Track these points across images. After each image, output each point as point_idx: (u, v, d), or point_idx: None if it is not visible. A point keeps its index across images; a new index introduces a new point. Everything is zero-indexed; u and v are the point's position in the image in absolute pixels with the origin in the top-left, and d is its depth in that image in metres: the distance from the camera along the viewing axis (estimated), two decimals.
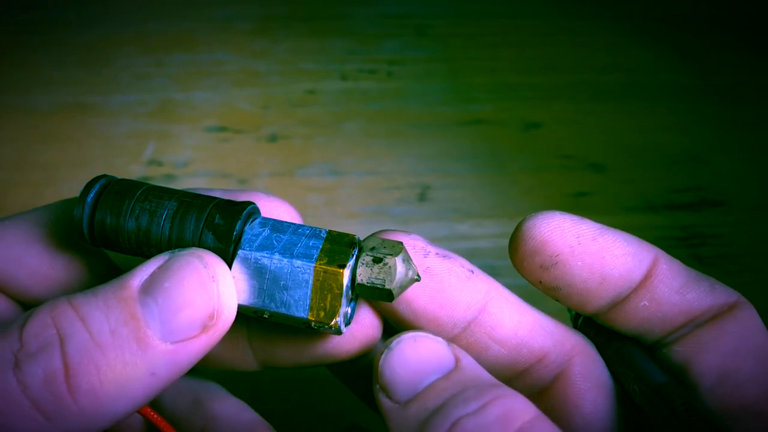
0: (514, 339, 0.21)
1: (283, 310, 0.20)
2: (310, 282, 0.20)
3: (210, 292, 0.18)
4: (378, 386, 0.18)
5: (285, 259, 0.20)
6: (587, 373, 0.21)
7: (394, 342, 0.19)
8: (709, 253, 0.38)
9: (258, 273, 0.20)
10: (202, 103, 0.48)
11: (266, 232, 0.20)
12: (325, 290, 0.20)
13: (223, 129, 0.46)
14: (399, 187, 0.42)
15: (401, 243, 0.21)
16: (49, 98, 0.48)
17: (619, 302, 0.21)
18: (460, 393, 0.17)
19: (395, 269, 0.20)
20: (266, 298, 0.20)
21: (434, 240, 0.38)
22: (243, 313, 0.20)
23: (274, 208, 0.23)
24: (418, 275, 0.21)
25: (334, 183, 0.42)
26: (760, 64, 0.51)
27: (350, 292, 0.21)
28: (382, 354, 0.19)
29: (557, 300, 0.21)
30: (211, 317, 0.18)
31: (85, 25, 0.54)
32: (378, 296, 0.21)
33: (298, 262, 0.20)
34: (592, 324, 0.22)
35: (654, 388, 0.20)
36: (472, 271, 0.21)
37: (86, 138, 0.45)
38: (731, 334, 0.20)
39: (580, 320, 0.23)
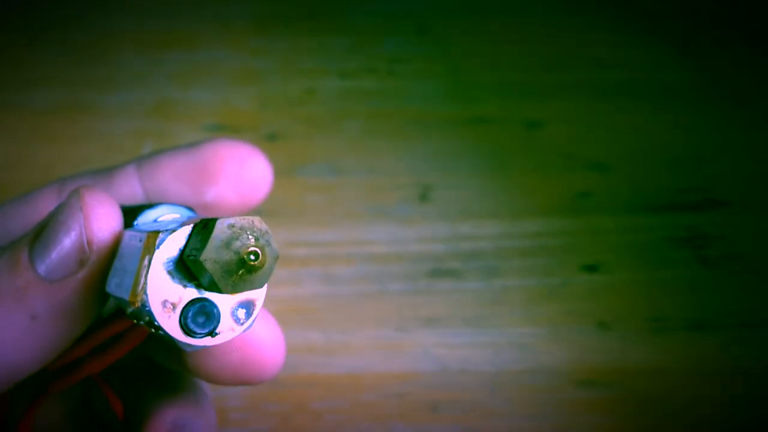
0: None
1: (123, 295, 0.16)
2: (139, 255, 0.16)
3: (77, 221, 0.17)
4: None
5: (131, 232, 0.17)
6: None
7: None
8: (713, 254, 0.38)
9: (119, 253, 0.17)
10: (199, 101, 0.47)
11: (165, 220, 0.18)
12: (144, 261, 0.15)
13: (221, 128, 0.45)
14: (400, 187, 0.42)
15: (256, 219, 0.16)
16: (45, 97, 0.47)
17: None
18: None
19: (212, 232, 0.15)
20: (116, 285, 0.16)
21: (435, 241, 0.38)
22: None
23: (240, 158, 0.22)
24: (254, 252, 0.15)
25: (334, 182, 0.42)
26: (766, 63, 0.50)
27: (188, 275, 0.16)
28: None
29: None
30: (83, 250, 0.17)
31: (81, 24, 0.54)
32: (203, 278, 0.15)
33: (133, 233, 0.17)
34: None
35: None
36: None
37: (83, 137, 0.45)
38: None
39: None
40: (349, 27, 0.54)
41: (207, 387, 0.23)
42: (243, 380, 0.20)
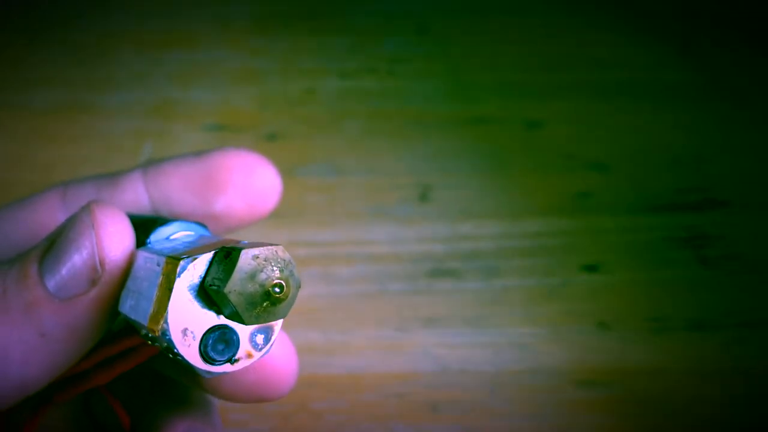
0: None
1: (140, 319, 0.16)
2: (157, 281, 0.15)
3: (88, 239, 0.17)
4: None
5: (146, 253, 0.17)
6: None
7: None
8: (713, 254, 0.38)
9: (133, 274, 0.17)
10: (199, 101, 0.47)
11: (178, 241, 0.18)
12: (164, 288, 0.15)
13: (221, 128, 0.45)
14: (400, 187, 0.42)
15: (279, 248, 0.15)
16: (45, 97, 0.47)
17: None
18: None
19: (236, 263, 0.15)
20: (131, 307, 0.16)
21: (435, 241, 0.38)
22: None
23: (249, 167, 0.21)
24: (279, 285, 0.15)
25: (334, 182, 0.42)
26: (766, 63, 0.50)
27: (207, 302, 0.16)
28: None
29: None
30: (94, 269, 0.17)
31: (81, 24, 0.54)
32: (226, 309, 0.15)
33: (149, 254, 0.16)
34: None
35: None
36: None
37: (83, 137, 0.45)
38: None
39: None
40: (349, 27, 0.54)
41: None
42: (258, 398, 0.20)
